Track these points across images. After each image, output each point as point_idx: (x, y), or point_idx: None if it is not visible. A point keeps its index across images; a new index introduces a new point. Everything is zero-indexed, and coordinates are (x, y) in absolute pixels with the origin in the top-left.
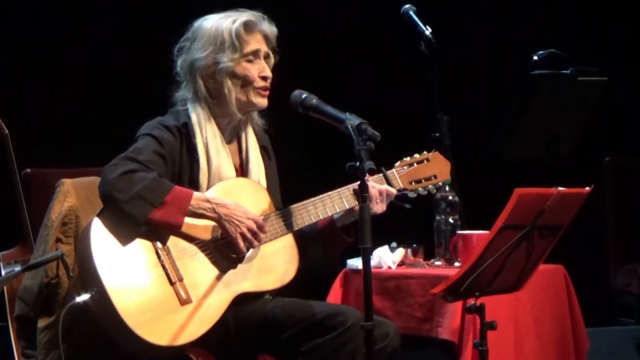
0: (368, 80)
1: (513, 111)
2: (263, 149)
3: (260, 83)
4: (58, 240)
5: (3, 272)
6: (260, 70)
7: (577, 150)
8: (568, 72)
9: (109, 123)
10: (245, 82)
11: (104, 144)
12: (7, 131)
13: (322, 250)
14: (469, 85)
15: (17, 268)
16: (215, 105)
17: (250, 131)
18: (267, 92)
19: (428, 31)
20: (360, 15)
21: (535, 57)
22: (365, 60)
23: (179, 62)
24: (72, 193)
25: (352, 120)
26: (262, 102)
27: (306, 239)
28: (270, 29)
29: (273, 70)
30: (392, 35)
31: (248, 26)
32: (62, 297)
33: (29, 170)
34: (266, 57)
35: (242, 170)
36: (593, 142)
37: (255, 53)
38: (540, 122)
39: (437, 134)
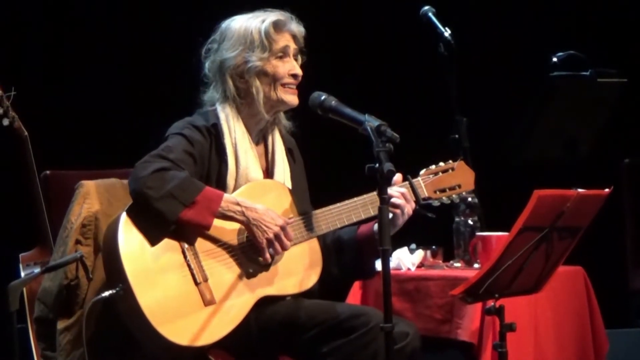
0: (387, 82)
1: (532, 113)
2: (289, 152)
3: (289, 79)
4: (77, 242)
5: (22, 274)
6: (290, 68)
7: (596, 151)
8: (587, 73)
9: (128, 125)
10: (274, 79)
11: (124, 146)
12: (26, 133)
13: (359, 258)
14: (487, 87)
15: (37, 270)
16: (244, 105)
17: (277, 133)
18: (296, 90)
19: (447, 33)
20: (378, 17)
21: (554, 59)
22: (384, 62)
23: (207, 64)
24: (91, 195)
25: (371, 122)
26: (292, 99)
27: (345, 246)
28: (299, 29)
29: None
30: (410, 36)
31: (277, 25)
32: (81, 299)
33: (48, 172)
34: (295, 55)
35: (268, 172)
36: (612, 144)
37: (285, 50)
38: (559, 124)
39: (456, 136)
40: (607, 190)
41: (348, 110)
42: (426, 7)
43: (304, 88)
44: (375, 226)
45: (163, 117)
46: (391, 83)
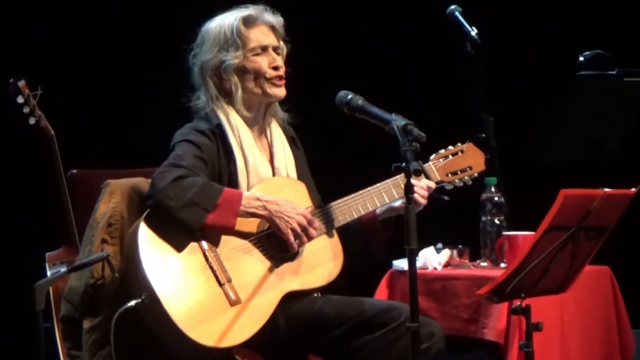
0: (414, 81)
1: (558, 112)
2: (291, 140)
3: (272, 73)
4: (104, 241)
5: (49, 273)
6: (271, 61)
7: (623, 151)
8: (614, 72)
9: (154, 124)
10: (257, 75)
11: (150, 145)
12: (53, 132)
13: (365, 242)
14: (514, 86)
15: (63, 269)
16: (232, 103)
17: (274, 124)
18: (282, 82)
19: (474, 32)
20: (406, 16)
21: (581, 58)
22: (411, 61)
23: (194, 69)
24: (117, 194)
25: (397, 121)
26: (279, 92)
27: (349, 232)
28: (275, 19)
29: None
30: (438, 35)
31: (248, 21)
32: (107, 298)
33: (74, 171)
34: (275, 49)
35: (272, 164)
36: (639, 143)
37: (264, 48)
38: (586, 123)
39: (483, 135)
40: (633, 189)
41: (375, 110)
42: (453, 7)
43: (329, 88)
44: (379, 209)
45: (189, 116)
46: (418, 82)
